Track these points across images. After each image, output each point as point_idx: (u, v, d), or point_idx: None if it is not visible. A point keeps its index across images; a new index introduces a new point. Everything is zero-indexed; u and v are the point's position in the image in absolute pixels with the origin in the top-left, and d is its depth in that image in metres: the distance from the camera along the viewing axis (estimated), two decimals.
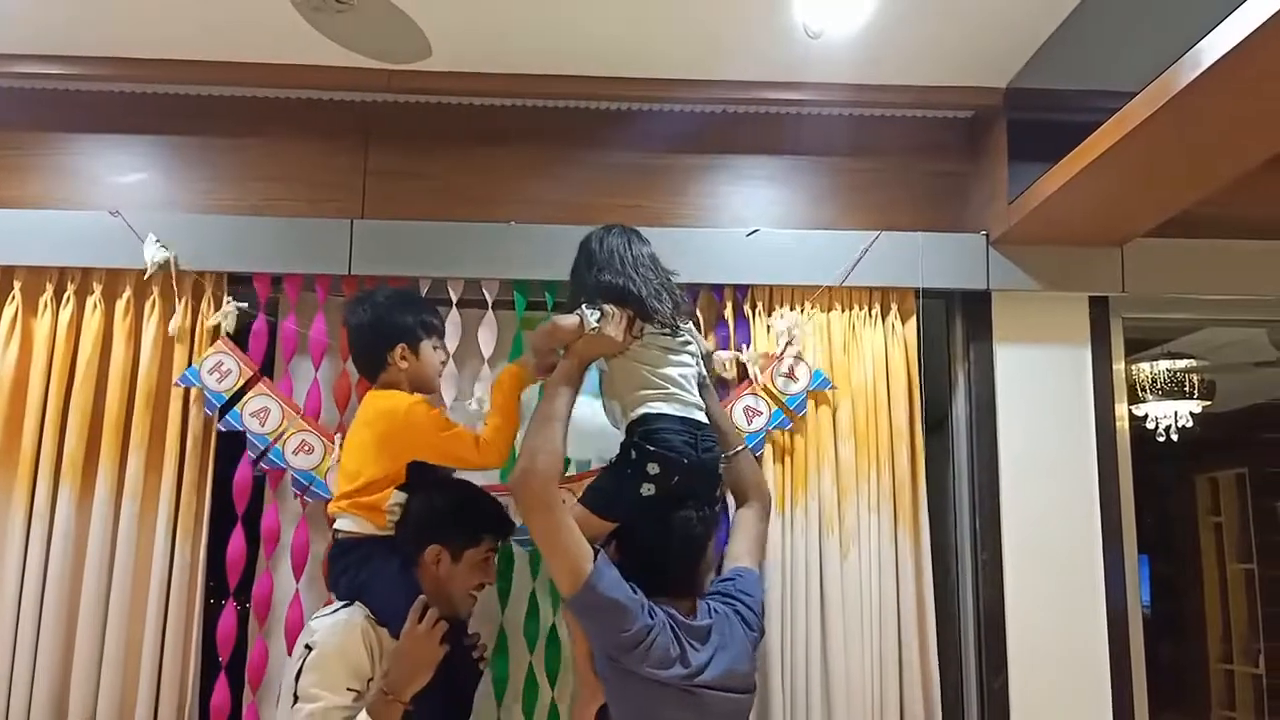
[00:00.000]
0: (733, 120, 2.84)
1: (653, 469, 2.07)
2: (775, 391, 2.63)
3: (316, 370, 2.65)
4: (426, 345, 2.34)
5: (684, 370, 2.21)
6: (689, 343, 2.27)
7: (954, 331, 2.85)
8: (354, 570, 2.17)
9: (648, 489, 2.07)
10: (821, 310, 2.71)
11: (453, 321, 2.65)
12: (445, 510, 2.20)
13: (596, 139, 2.81)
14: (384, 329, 2.31)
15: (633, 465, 2.10)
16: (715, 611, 2.08)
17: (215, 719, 2.51)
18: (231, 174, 2.75)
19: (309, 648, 2.02)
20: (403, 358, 2.30)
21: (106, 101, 2.76)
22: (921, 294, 2.71)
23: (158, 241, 2.59)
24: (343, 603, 2.14)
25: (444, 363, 2.41)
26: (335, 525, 2.26)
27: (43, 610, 2.47)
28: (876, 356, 2.69)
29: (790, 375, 2.65)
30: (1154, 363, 4.80)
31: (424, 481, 2.23)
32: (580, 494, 2.27)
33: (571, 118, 2.81)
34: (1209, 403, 4.91)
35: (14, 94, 2.73)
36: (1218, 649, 6.71)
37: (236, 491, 2.56)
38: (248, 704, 2.54)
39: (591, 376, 2.31)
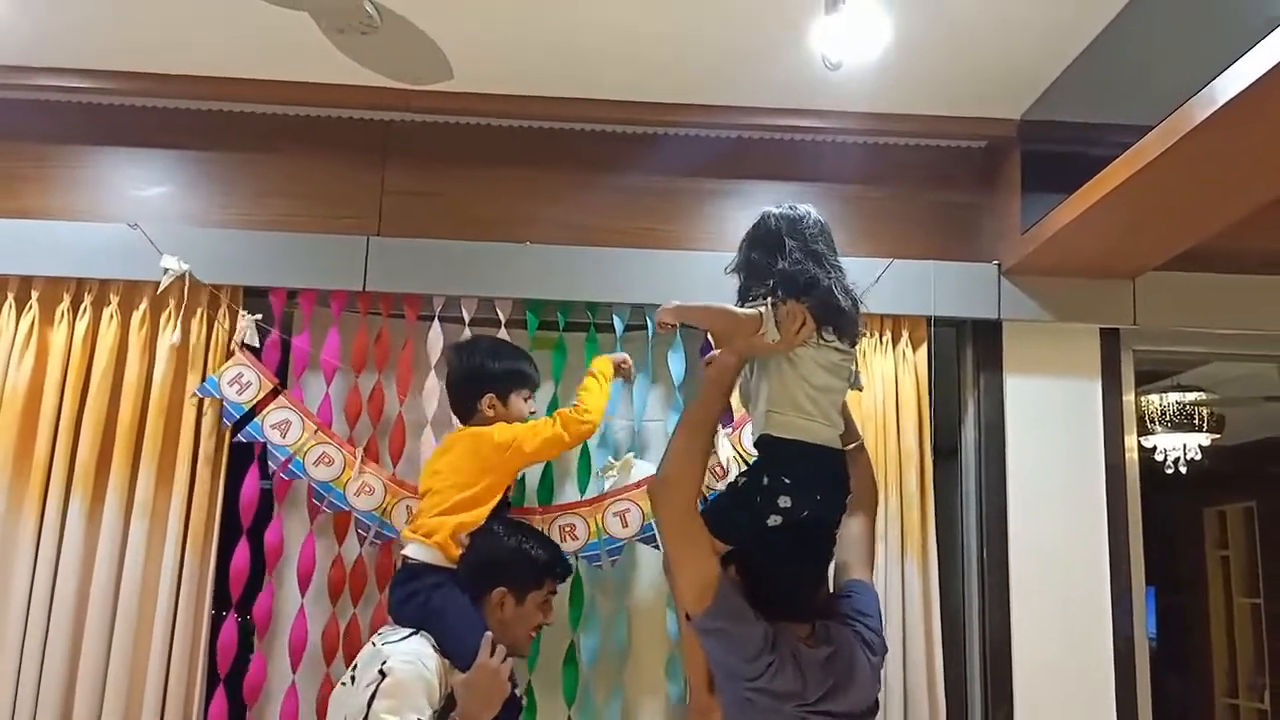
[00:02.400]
0: (747, 146, 2.86)
1: (784, 502, 1.89)
2: None
3: (329, 386, 2.67)
4: (516, 397, 2.43)
5: (838, 392, 1.98)
6: (850, 356, 2.00)
7: (964, 360, 2.85)
8: (423, 597, 2.20)
9: (775, 520, 1.90)
10: None
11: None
12: (510, 553, 2.24)
13: (613, 162, 2.83)
14: (477, 376, 2.41)
15: (763, 493, 1.90)
16: (836, 637, 1.93)
17: None
18: (250, 189, 2.78)
19: (383, 674, 2.02)
20: (490, 406, 2.39)
21: (128, 115, 2.79)
22: (933, 322, 2.72)
23: (176, 258, 2.61)
24: (409, 630, 2.15)
25: (533, 413, 2.47)
26: (405, 551, 2.29)
27: (50, 620, 2.48)
28: (887, 383, 2.70)
29: None
30: (1163, 395, 4.80)
31: (488, 525, 2.30)
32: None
33: (589, 141, 2.83)
34: (1218, 436, 4.90)
35: (37, 106, 2.76)
36: (1223, 683, 6.66)
37: (243, 505, 2.58)
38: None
39: None
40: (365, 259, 2.67)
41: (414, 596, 2.21)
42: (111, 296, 2.64)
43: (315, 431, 2.58)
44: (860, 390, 2.09)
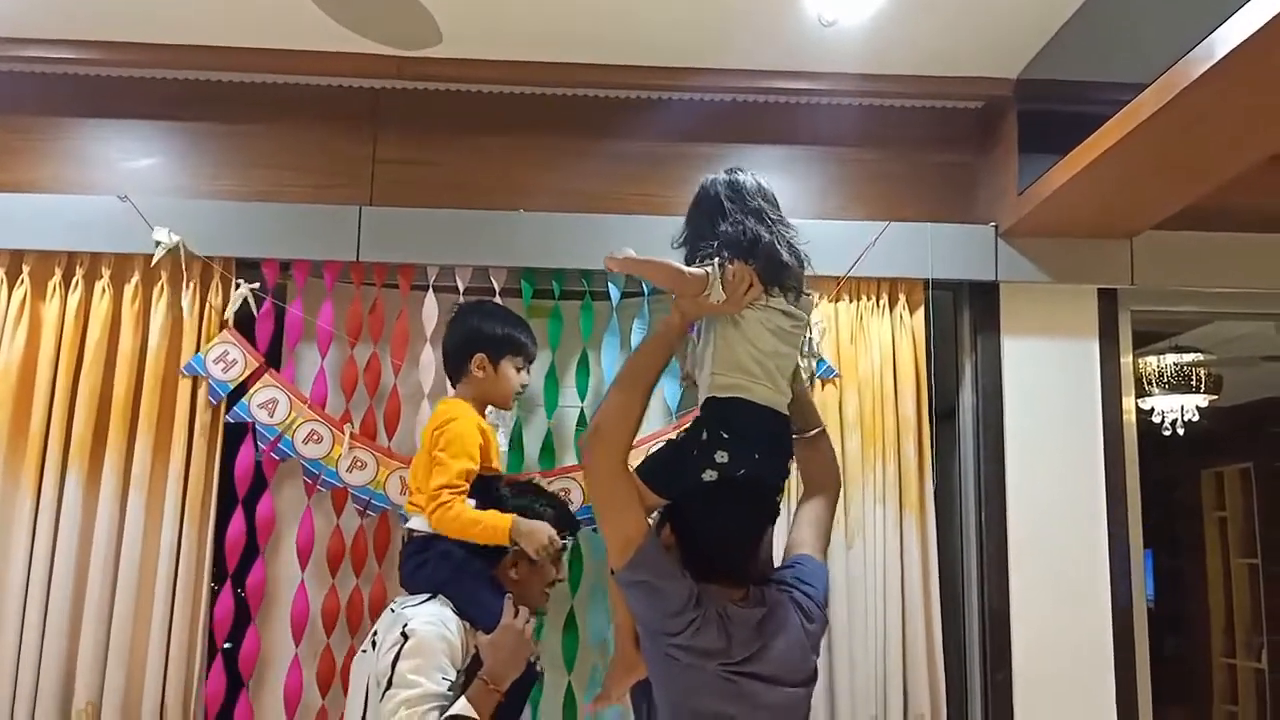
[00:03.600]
0: (742, 110, 2.83)
1: (721, 457, 1.88)
2: None
3: (323, 358, 2.65)
4: (508, 363, 2.37)
5: (786, 358, 1.96)
6: (801, 323, 1.98)
7: (961, 323, 2.84)
8: (434, 565, 2.20)
9: (710, 475, 1.89)
10: (829, 301, 2.70)
11: None
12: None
13: (606, 127, 2.80)
14: (470, 335, 2.36)
15: (700, 447, 1.90)
16: (770, 600, 1.93)
17: (211, 705, 2.53)
18: (240, 160, 2.75)
19: (405, 636, 2.02)
20: (480, 367, 2.34)
21: (116, 86, 2.76)
22: (930, 285, 2.71)
23: (168, 229, 2.60)
24: (426, 595, 2.16)
25: (525, 386, 2.42)
26: (409, 525, 2.29)
27: (50, 595, 2.48)
28: (884, 347, 2.69)
29: None
30: (1161, 356, 4.79)
31: (494, 489, 2.29)
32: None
33: (581, 106, 2.81)
34: (1215, 397, 4.90)
35: (23, 78, 2.73)
36: (1221, 643, 6.70)
37: (238, 476, 2.57)
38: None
39: None
40: (358, 229, 2.65)
41: (425, 565, 2.21)
42: (103, 270, 2.62)
43: (303, 409, 2.57)
44: (815, 360, 2.07)
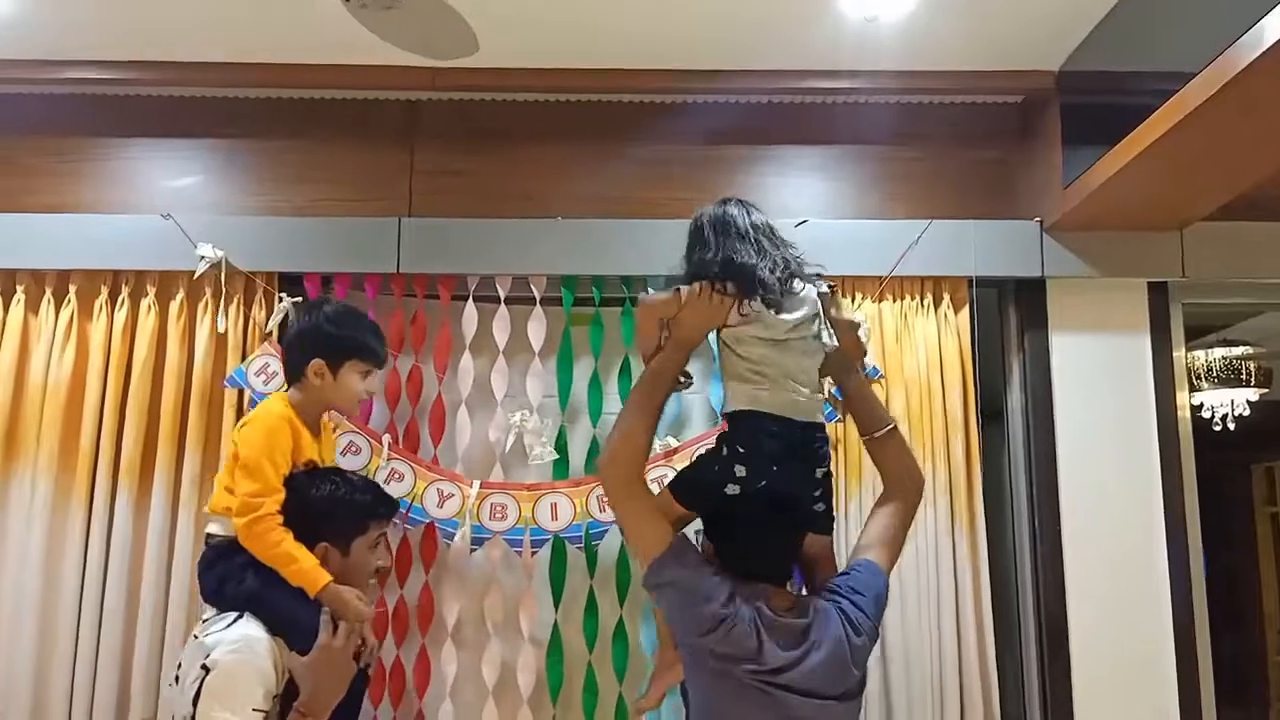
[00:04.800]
0: (778, 111, 2.81)
1: (740, 471, 1.89)
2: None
3: None
4: (350, 370, 2.18)
5: (793, 358, 1.93)
6: (806, 322, 1.95)
7: (1007, 320, 2.80)
8: (237, 577, 1.99)
9: (733, 489, 1.90)
10: (873, 300, 2.67)
11: (501, 318, 2.67)
12: (322, 505, 2.04)
13: (642, 132, 2.79)
14: (309, 337, 2.19)
15: (720, 462, 1.92)
16: (816, 610, 1.88)
17: None
18: (280, 175, 2.77)
19: (206, 668, 1.82)
20: (318, 374, 2.15)
21: (157, 106, 2.79)
22: (974, 282, 2.67)
23: (211, 245, 2.62)
24: (233, 615, 1.94)
25: (370, 394, 2.25)
26: (208, 529, 2.13)
27: (103, 611, 2.50)
28: (930, 347, 2.65)
29: None
30: (1209, 350, 4.70)
31: (291, 480, 2.07)
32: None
33: (617, 112, 2.80)
34: (1266, 390, 4.79)
35: (65, 100, 2.77)
36: (1276, 640, 6.57)
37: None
38: None
39: None
40: (398, 241, 2.66)
41: (228, 578, 2.00)
42: (148, 287, 2.64)
43: (341, 420, 2.57)
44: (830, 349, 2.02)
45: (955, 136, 2.80)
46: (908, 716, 2.50)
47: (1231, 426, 4.85)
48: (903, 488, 2.05)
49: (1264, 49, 1.82)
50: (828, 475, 2.01)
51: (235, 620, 1.92)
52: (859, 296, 2.67)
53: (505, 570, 2.61)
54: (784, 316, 1.91)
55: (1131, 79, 2.38)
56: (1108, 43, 2.44)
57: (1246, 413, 4.81)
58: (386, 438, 2.57)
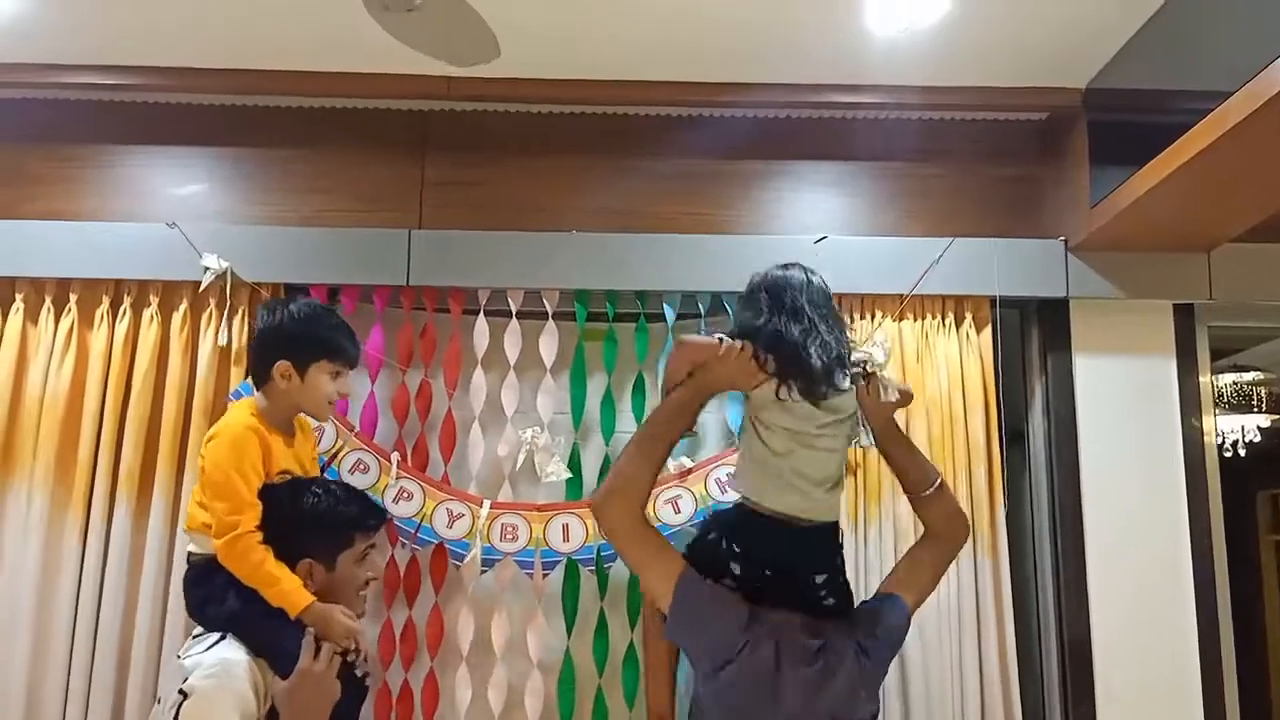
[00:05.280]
0: (796, 126, 2.76)
1: (735, 569, 1.82)
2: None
3: (373, 383, 2.59)
4: (318, 371, 2.06)
5: (817, 456, 1.84)
6: (840, 421, 1.86)
7: (1029, 342, 2.74)
8: (220, 597, 1.90)
9: (730, 583, 1.83)
10: (893, 319, 2.61)
11: (513, 332, 2.60)
12: (302, 520, 1.94)
13: (658, 145, 2.74)
14: (274, 337, 2.07)
15: (719, 553, 1.85)
16: (829, 633, 1.83)
17: None
18: (288, 185, 2.71)
19: (184, 694, 1.74)
20: (284, 375, 2.04)
21: (163, 113, 2.74)
22: (997, 302, 2.61)
23: (216, 255, 2.55)
24: (215, 636, 1.86)
25: (342, 395, 2.13)
26: (189, 548, 2.04)
27: (99, 627, 2.43)
28: (951, 367, 2.59)
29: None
30: (1220, 375, 4.65)
31: (268, 494, 1.97)
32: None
33: (632, 124, 2.75)
34: (1277, 416, 4.75)
35: (68, 105, 2.71)
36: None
37: None
38: None
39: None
40: (408, 253, 2.60)
41: (210, 599, 1.92)
42: (151, 297, 2.58)
43: (349, 437, 2.50)
44: (864, 446, 1.96)
45: (978, 153, 2.76)
46: None
47: (1242, 452, 4.79)
48: (950, 533, 2.00)
49: None
50: (834, 577, 1.90)
51: (216, 642, 1.84)
52: (879, 315, 2.61)
53: (514, 592, 2.54)
54: (819, 412, 1.82)
55: (1163, 97, 2.33)
56: (1138, 60, 2.39)
57: (1258, 439, 4.76)
58: (395, 455, 2.50)
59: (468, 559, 2.46)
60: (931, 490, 1.96)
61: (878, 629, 1.89)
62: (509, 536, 2.48)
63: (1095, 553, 2.57)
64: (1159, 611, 2.55)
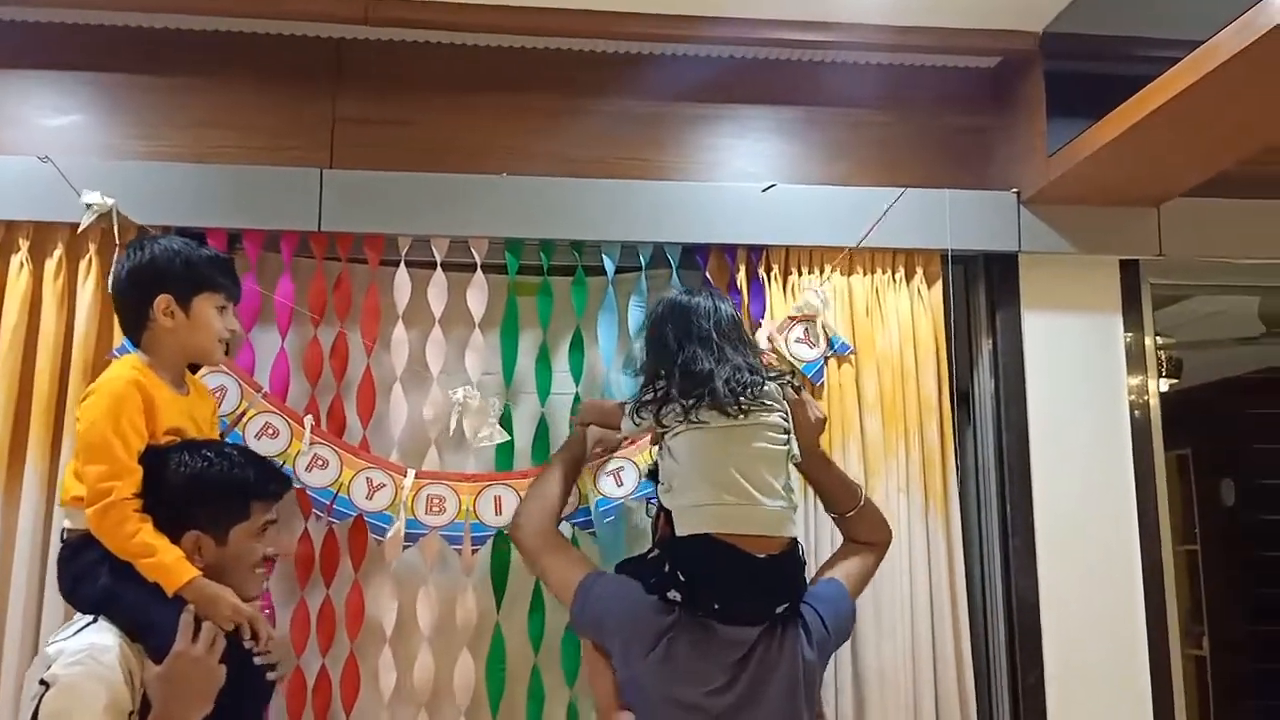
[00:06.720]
0: (743, 67, 2.61)
1: (673, 596, 1.78)
2: (788, 358, 2.41)
3: (284, 339, 2.34)
4: (202, 302, 1.86)
5: (752, 463, 1.79)
6: (767, 417, 1.83)
7: (976, 297, 2.65)
8: (92, 575, 1.70)
9: (675, 595, 1.79)
10: (842, 273, 2.49)
11: (437, 284, 2.39)
12: (186, 487, 1.72)
13: (598, 86, 2.55)
14: (148, 273, 1.84)
15: (660, 577, 1.81)
16: (770, 625, 1.81)
17: None
18: (182, 117, 2.44)
19: (45, 684, 1.57)
20: (167, 312, 1.83)
21: (35, 32, 2.43)
22: (950, 257, 2.51)
23: (99, 192, 2.25)
24: (85, 620, 1.68)
25: (232, 332, 1.94)
26: (64, 523, 1.81)
27: None
28: (903, 323, 2.48)
29: (806, 340, 2.42)
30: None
31: (149, 457, 1.74)
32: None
33: (570, 61, 2.55)
34: (1176, 381, 4.83)
35: None
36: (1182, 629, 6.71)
37: None
38: None
39: None
40: (319, 195, 2.35)
41: (82, 577, 1.72)
42: (20, 241, 2.27)
43: (255, 398, 2.25)
44: (796, 460, 1.89)
45: (928, 101, 2.65)
46: (881, 715, 2.33)
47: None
48: (881, 539, 2.06)
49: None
50: (797, 598, 1.85)
51: (85, 626, 1.65)
52: (827, 268, 2.48)
53: (440, 568, 2.33)
54: (742, 420, 1.80)
55: (1126, 44, 2.26)
56: (1099, 5, 2.31)
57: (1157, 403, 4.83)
58: (308, 419, 2.25)
59: (389, 534, 2.24)
60: (855, 511, 2.01)
61: (821, 608, 1.87)
62: (435, 509, 2.26)
63: (1044, 514, 2.50)
64: (1108, 575, 2.50)
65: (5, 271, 2.26)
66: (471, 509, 2.27)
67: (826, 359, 2.43)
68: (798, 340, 2.42)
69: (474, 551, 2.29)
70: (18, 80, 2.40)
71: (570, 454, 2.17)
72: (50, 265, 2.27)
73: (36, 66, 2.41)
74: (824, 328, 2.43)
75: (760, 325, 2.43)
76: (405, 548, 2.27)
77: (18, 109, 2.39)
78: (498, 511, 2.26)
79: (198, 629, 1.63)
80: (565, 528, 2.19)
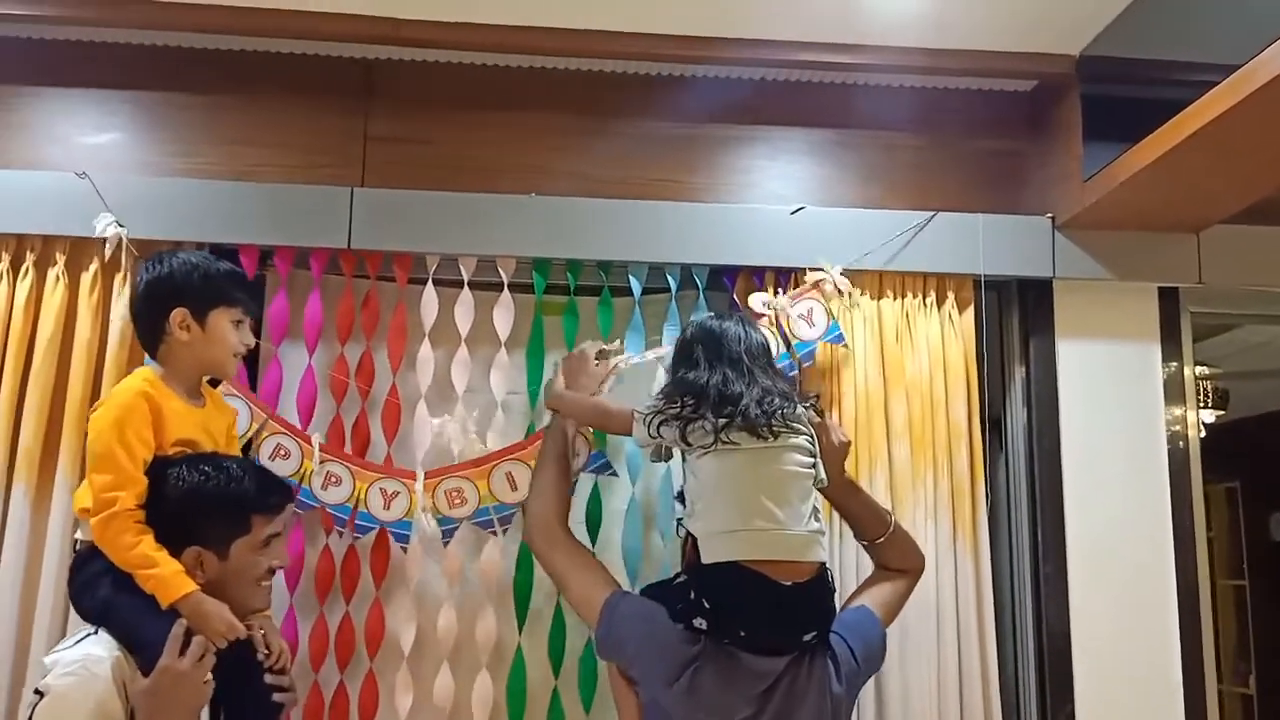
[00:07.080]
0: (774, 89, 2.59)
1: (699, 623, 1.75)
2: (789, 333, 2.37)
3: (311, 356, 2.36)
4: (219, 316, 1.88)
5: (780, 487, 1.78)
6: (795, 440, 1.81)
7: (1009, 324, 2.61)
8: (95, 586, 1.70)
9: (700, 624, 1.76)
10: (872, 297, 2.46)
11: (464, 303, 2.39)
12: (185, 501, 1.72)
13: (627, 105, 2.55)
14: (165, 287, 1.86)
15: (685, 604, 1.78)
16: (798, 656, 1.78)
17: None
18: (216, 135, 2.46)
19: (40, 693, 1.58)
20: (183, 325, 1.84)
21: (76, 51, 2.46)
22: (982, 282, 2.47)
23: (114, 219, 2.26)
24: (86, 630, 1.69)
25: (249, 346, 1.95)
26: (77, 534, 1.84)
27: None
28: (933, 349, 2.45)
29: (808, 319, 2.39)
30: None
31: (153, 470, 1.75)
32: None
33: (600, 82, 2.55)
34: (1222, 412, 4.73)
35: None
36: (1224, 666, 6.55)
37: None
38: None
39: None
40: (350, 214, 2.37)
41: (86, 588, 1.73)
42: (57, 255, 2.30)
43: (266, 420, 2.25)
44: (822, 484, 1.86)
45: (962, 124, 2.61)
46: None
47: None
48: (913, 566, 2.04)
49: None
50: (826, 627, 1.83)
51: (85, 637, 1.66)
52: (857, 291, 2.45)
53: (462, 586, 2.32)
54: (770, 440, 1.78)
55: (1164, 68, 2.22)
56: (1137, 28, 2.27)
57: (1203, 434, 4.73)
58: (316, 437, 2.26)
59: (415, 537, 2.25)
60: (885, 537, 1.99)
61: (850, 638, 1.84)
62: (457, 502, 2.27)
63: (1077, 545, 2.44)
64: (1143, 607, 2.44)
65: (42, 285, 2.29)
66: (489, 492, 2.28)
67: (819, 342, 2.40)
68: (800, 316, 2.38)
69: (504, 530, 2.30)
70: (60, 98, 2.45)
71: (556, 448, 2.10)
72: (86, 280, 2.30)
73: (78, 85, 2.45)
74: (828, 313, 2.39)
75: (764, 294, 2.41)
76: (445, 544, 2.29)
77: (59, 126, 2.43)
78: (513, 487, 2.27)
79: (187, 643, 1.63)
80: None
